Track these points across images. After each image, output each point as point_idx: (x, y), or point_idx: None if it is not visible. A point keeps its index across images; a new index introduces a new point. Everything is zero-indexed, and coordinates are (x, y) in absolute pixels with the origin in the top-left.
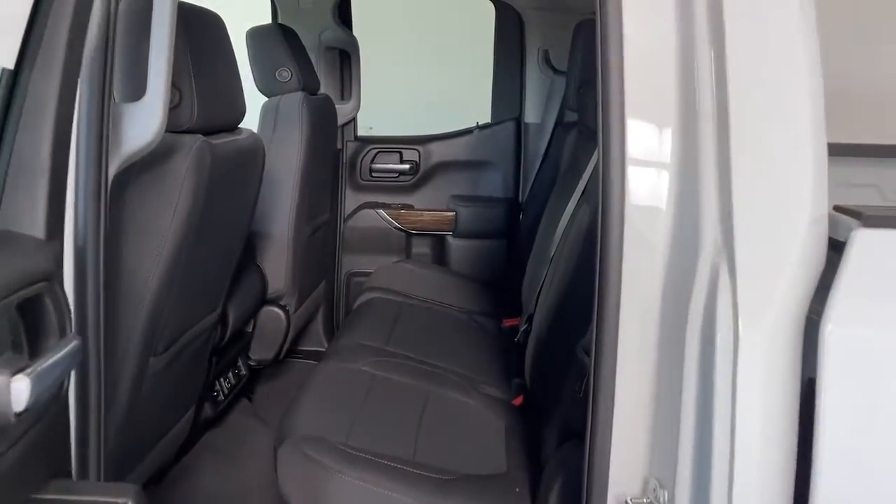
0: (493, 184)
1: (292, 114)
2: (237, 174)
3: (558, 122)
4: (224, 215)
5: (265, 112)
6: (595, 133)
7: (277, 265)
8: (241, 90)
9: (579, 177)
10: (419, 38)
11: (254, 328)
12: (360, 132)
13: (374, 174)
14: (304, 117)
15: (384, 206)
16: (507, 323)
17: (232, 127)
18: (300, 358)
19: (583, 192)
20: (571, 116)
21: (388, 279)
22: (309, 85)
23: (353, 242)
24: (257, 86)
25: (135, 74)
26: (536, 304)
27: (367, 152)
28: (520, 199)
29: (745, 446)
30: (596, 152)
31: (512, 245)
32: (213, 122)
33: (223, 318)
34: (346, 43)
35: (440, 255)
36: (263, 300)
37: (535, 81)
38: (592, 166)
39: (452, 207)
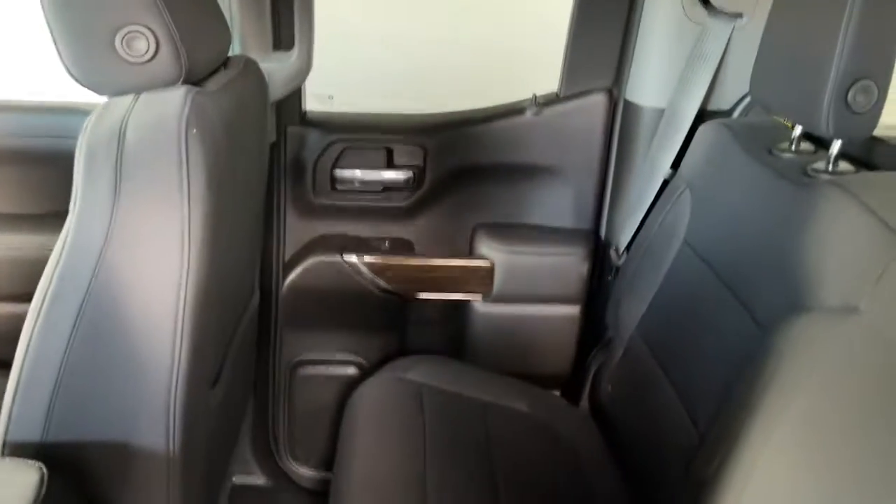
0: (560, 206)
1: (161, 152)
2: None
3: (706, 112)
4: None
5: (89, 153)
6: None
7: (150, 491)
8: None
9: None
10: None
11: None
12: (312, 106)
13: (338, 186)
14: (195, 152)
15: (358, 245)
16: None
17: None
18: None
19: None
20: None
21: (370, 431)
22: (200, 61)
23: (299, 310)
24: (71, 73)
25: None
26: None
27: (328, 147)
28: (602, 234)
29: None
30: None
31: (590, 317)
32: None
33: None
34: None
35: (459, 335)
36: None
37: (660, 27)
38: None
39: (485, 252)
